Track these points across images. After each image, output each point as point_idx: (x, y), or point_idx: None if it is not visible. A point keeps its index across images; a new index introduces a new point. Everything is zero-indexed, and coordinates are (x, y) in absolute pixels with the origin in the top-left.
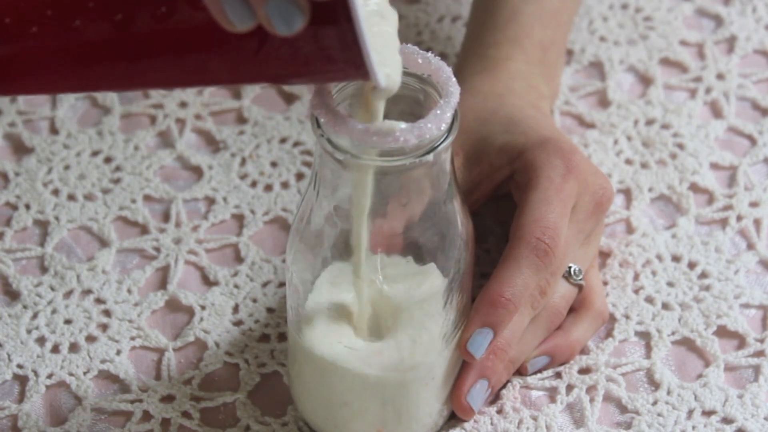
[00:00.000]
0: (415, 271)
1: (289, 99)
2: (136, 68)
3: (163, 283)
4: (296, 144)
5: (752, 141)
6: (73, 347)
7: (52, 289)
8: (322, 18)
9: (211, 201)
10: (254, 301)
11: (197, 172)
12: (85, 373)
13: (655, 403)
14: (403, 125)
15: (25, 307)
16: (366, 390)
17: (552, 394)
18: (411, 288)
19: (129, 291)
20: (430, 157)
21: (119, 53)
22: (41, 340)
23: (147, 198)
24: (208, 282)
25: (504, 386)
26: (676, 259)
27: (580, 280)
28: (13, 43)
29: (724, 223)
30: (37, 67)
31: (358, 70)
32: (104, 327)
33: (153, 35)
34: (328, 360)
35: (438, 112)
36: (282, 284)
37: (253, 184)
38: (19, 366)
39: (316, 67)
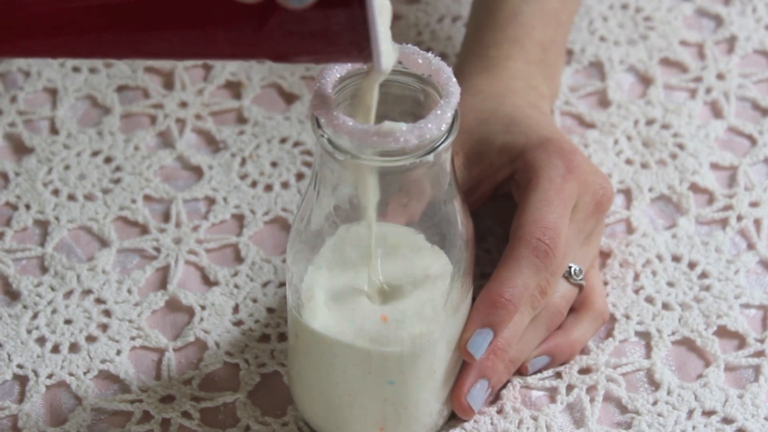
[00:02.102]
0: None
1: (289, 99)
2: (137, 36)
3: (163, 283)
4: (296, 144)
5: (752, 141)
6: (73, 347)
7: (52, 289)
8: None
9: (211, 201)
10: (254, 301)
11: (197, 172)
12: (85, 373)
13: (655, 403)
14: (403, 126)
15: (25, 307)
16: (368, 376)
17: (552, 394)
18: (417, 266)
19: (129, 291)
20: (431, 157)
21: (121, 19)
22: (41, 340)
23: (147, 198)
24: (208, 282)
25: (504, 386)
26: (676, 259)
27: (581, 280)
28: (8, 2)
29: (724, 223)
30: (33, 28)
31: (361, 52)
32: (104, 327)
33: (158, 2)
34: (331, 338)
35: (438, 112)
36: (282, 284)
37: (253, 184)
38: (19, 366)
39: (319, 47)
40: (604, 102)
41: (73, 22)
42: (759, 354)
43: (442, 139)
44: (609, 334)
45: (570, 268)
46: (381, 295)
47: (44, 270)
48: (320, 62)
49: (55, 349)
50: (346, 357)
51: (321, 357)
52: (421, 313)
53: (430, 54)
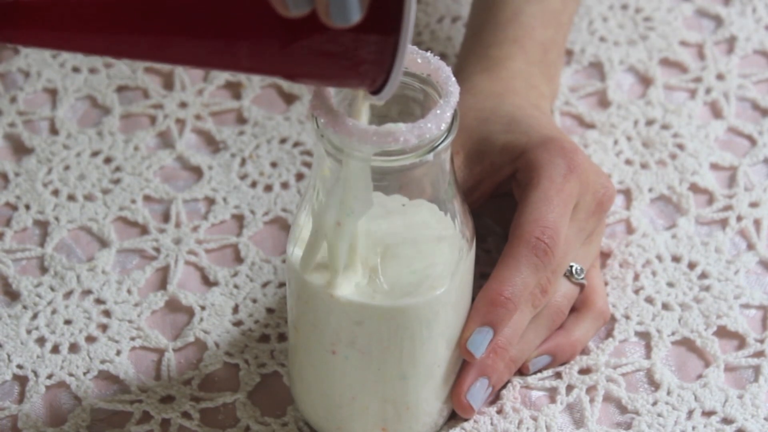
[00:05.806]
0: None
1: (289, 99)
2: (159, 40)
3: (163, 283)
4: (296, 144)
5: (752, 141)
6: (73, 347)
7: (52, 289)
8: (369, 23)
9: (211, 201)
10: (254, 301)
11: (197, 172)
12: (85, 374)
13: (655, 403)
14: (403, 126)
15: (25, 307)
16: (368, 370)
17: (552, 394)
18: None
19: (129, 291)
20: (430, 156)
21: (147, 21)
22: (41, 341)
23: (147, 198)
24: (208, 282)
25: (504, 386)
26: (676, 259)
27: (582, 279)
28: None
29: (724, 223)
30: (54, 19)
31: (374, 81)
32: (104, 327)
33: (188, 7)
34: (335, 296)
35: (438, 111)
36: (282, 284)
37: (253, 185)
38: (19, 366)
39: (336, 70)
40: (604, 102)
41: (95, 16)
42: (759, 354)
43: (442, 139)
44: (609, 334)
45: (571, 267)
46: (385, 258)
47: (44, 270)
48: (327, 86)
49: (55, 349)
50: (348, 321)
51: (321, 342)
52: (427, 274)
53: (429, 54)
